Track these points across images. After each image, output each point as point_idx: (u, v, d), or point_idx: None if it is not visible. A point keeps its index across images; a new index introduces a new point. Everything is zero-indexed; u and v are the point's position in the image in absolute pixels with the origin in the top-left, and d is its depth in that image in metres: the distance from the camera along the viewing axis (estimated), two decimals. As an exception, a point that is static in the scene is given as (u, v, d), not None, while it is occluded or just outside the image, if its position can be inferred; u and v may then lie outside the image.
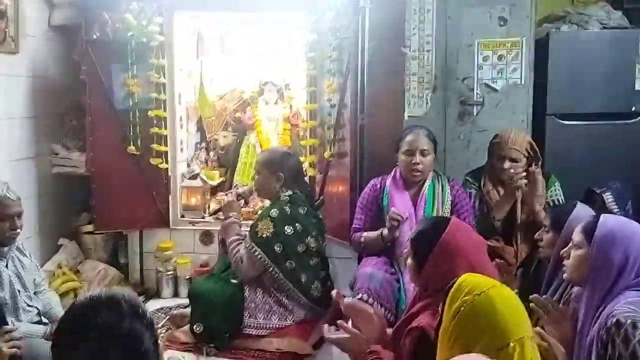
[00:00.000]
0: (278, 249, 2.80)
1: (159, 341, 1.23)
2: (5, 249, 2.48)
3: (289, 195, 2.89)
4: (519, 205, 2.79)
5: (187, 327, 2.83)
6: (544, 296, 2.02)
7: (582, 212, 2.23)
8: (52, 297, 2.78)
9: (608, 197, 2.94)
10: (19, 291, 2.50)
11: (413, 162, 2.75)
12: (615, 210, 2.89)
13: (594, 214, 2.23)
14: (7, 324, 1.97)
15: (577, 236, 1.89)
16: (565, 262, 1.94)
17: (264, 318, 2.82)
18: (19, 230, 2.49)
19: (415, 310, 1.90)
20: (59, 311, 2.72)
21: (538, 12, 3.32)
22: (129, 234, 3.80)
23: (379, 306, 2.54)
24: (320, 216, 3.06)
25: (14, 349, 1.91)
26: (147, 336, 1.19)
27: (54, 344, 1.19)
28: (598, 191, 2.96)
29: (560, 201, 2.85)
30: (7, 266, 2.49)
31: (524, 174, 2.76)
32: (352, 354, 1.96)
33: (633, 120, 3.29)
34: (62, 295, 3.24)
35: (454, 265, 1.77)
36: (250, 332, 2.80)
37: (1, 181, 2.53)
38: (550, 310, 1.94)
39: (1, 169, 3.15)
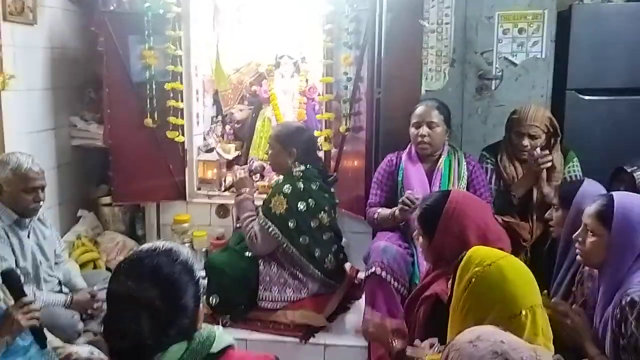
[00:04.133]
0: (292, 225, 2.81)
1: (200, 306, 1.30)
2: (28, 220, 2.53)
3: (301, 171, 2.89)
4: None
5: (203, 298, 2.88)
6: (552, 300, 2.02)
7: (590, 188, 2.20)
8: (72, 267, 2.85)
9: (639, 175, 2.88)
10: (40, 261, 2.57)
11: (419, 134, 2.74)
12: None
13: (603, 190, 2.20)
14: (26, 295, 2.01)
15: (591, 222, 1.86)
16: (579, 246, 1.92)
17: (278, 291, 2.86)
18: (41, 203, 2.53)
19: (428, 280, 1.93)
20: (80, 281, 2.79)
21: (561, -17, 3.24)
22: (146, 206, 3.85)
23: (392, 279, 2.56)
24: (333, 191, 3.07)
25: (33, 321, 1.95)
26: (190, 292, 1.26)
27: (110, 280, 1.29)
28: (629, 170, 2.90)
29: (579, 177, 2.81)
30: (29, 237, 2.55)
31: (550, 157, 2.69)
32: None
33: (655, 96, 3.21)
34: (82, 266, 3.30)
35: (462, 229, 1.81)
36: (265, 306, 2.84)
37: (26, 153, 2.56)
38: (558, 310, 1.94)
39: (21, 140, 3.19)
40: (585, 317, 1.92)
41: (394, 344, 1.93)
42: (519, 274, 1.40)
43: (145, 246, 1.33)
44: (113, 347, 1.25)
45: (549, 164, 2.70)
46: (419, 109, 2.80)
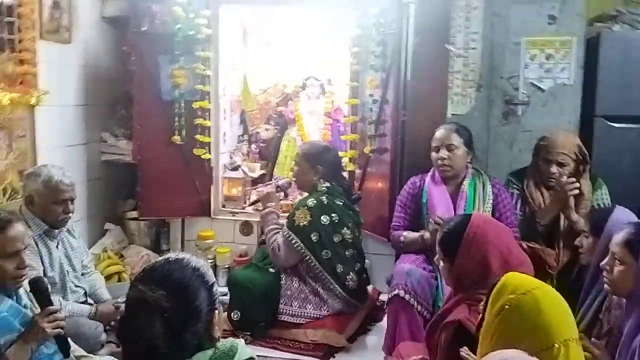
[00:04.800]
0: (314, 237, 2.84)
1: (216, 310, 1.33)
2: (57, 231, 2.58)
3: (326, 187, 2.93)
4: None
5: (224, 314, 2.90)
6: (592, 340, 1.98)
7: (621, 215, 2.17)
8: (98, 279, 2.89)
9: None
10: (67, 272, 2.61)
11: (439, 157, 2.74)
12: None
13: (635, 218, 2.16)
14: (52, 304, 2.05)
15: (618, 250, 1.83)
16: (606, 275, 1.89)
17: (299, 306, 2.86)
18: (71, 215, 2.59)
19: (449, 305, 1.91)
20: (104, 292, 2.82)
21: (589, 10, 3.23)
22: (172, 221, 3.90)
23: (416, 303, 2.54)
24: (357, 209, 3.08)
25: (58, 330, 1.99)
26: (203, 295, 1.30)
27: (127, 291, 1.33)
28: None
29: (607, 205, 2.76)
30: (57, 247, 2.60)
31: (577, 184, 2.65)
32: None
33: (685, 124, 3.16)
34: (107, 278, 3.32)
35: (484, 254, 1.79)
36: (285, 319, 2.84)
37: (57, 166, 2.62)
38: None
39: (54, 154, 3.27)
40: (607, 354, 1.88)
41: None
42: (554, 305, 1.36)
43: (160, 258, 1.38)
44: (127, 350, 1.27)
45: (576, 191, 2.66)
46: (438, 133, 2.81)
